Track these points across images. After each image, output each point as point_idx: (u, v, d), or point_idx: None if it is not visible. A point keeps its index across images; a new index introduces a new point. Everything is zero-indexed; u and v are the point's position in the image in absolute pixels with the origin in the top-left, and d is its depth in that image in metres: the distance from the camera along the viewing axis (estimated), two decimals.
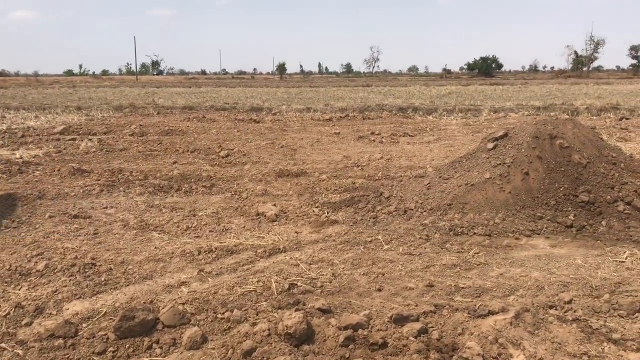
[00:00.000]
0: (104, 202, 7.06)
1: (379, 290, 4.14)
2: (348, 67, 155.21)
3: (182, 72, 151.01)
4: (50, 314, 3.81)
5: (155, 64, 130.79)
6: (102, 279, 4.41)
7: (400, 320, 3.53)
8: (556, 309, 3.73)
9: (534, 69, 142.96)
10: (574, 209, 5.80)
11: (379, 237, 5.46)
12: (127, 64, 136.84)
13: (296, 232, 5.76)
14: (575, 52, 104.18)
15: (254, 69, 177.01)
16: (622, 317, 3.63)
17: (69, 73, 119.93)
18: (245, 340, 3.27)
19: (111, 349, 3.29)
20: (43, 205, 6.84)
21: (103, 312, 3.77)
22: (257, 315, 3.71)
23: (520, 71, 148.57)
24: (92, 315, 3.73)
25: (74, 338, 3.41)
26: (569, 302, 3.83)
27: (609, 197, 5.87)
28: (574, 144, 6.33)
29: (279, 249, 5.17)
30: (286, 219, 6.28)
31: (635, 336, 3.36)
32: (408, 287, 4.18)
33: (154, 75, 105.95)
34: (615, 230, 5.52)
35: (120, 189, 7.83)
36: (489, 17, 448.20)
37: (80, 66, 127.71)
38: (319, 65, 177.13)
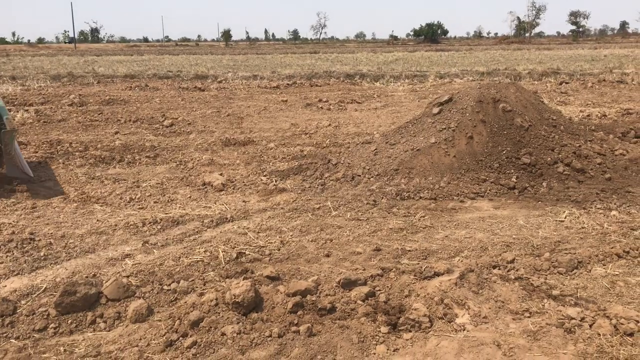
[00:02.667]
0: (43, 175, 6.78)
1: (327, 256, 4.15)
2: (295, 33, 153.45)
3: (123, 40, 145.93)
4: None
5: (95, 31, 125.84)
6: (42, 254, 4.25)
7: (348, 284, 3.55)
8: (499, 269, 3.84)
9: (478, 35, 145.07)
10: (516, 171, 5.94)
11: (327, 203, 5.46)
12: (65, 31, 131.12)
13: (244, 201, 5.70)
14: (518, 18, 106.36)
15: (198, 36, 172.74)
16: (562, 274, 3.77)
17: (1, 41, 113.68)
18: (192, 311, 3.22)
19: (52, 325, 3.19)
20: None
21: (43, 288, 3.64)
22: (204, 285, 3.66)
23: (465, 37, 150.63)
24: (31, 292, 3.60)
25: (12, 316, 3.28)
26: (512, 261, 3.94)
27: (549, 158, 6.04)
28: (516, 108, 6.45)
29: (227, 218, 5.10)
30: (233, 188, 6.20)
31: (573, 292, 3.49)
32: (356, 252, 4.21)
33: (66, 43, 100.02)
34: (555, 190, 5.69)
35: (60, 161, 7.54)
36: None
37: (14, 34, 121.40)
38: (266, 31, 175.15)
